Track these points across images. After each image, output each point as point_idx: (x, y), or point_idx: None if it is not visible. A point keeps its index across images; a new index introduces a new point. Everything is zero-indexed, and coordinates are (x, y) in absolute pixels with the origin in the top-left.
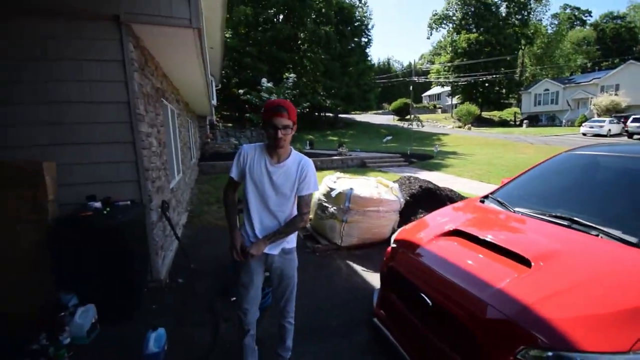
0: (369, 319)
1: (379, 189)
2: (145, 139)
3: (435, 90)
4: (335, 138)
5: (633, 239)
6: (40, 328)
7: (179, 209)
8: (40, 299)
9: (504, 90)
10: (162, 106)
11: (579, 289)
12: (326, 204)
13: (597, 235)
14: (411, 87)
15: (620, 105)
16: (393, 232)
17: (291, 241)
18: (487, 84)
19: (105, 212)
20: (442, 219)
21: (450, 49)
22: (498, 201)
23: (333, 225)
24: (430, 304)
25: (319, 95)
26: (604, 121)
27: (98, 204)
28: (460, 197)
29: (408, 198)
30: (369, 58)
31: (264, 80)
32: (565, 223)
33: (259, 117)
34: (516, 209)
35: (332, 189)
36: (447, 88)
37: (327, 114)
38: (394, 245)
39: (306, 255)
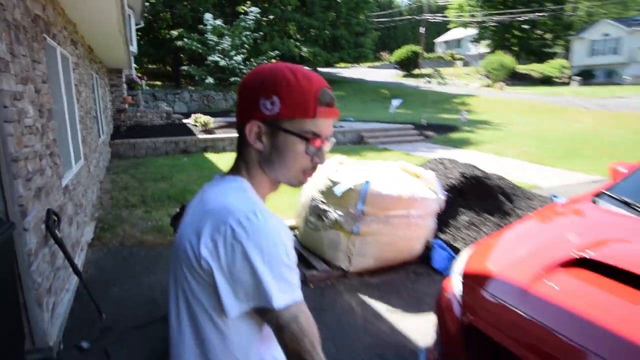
0: None
1: (407, 180)
2: (11, 105)
3: (454, 33)
4: None
5: None
6: None
7: (79, 217)
8: None
9: (548, 35)
10: (46, 48)
11: None
12: (325, 207)
13: None
14: (422, 29)
15: None
16: (427, 246)
17: None
18: (526, 25)
19: None
20: (540, 234)
21: None
22: (627, 204)
23: (335, 240)
24: None
25: (291, 39)
26: None
27: None
28: (515, 189)
29: (445, 192)
30: None
31: (208, 16)
32: None
33: (203, 72)
34: None
35: (334, 182)
36: (472, 31)
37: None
38: (464, 283)
39: None
